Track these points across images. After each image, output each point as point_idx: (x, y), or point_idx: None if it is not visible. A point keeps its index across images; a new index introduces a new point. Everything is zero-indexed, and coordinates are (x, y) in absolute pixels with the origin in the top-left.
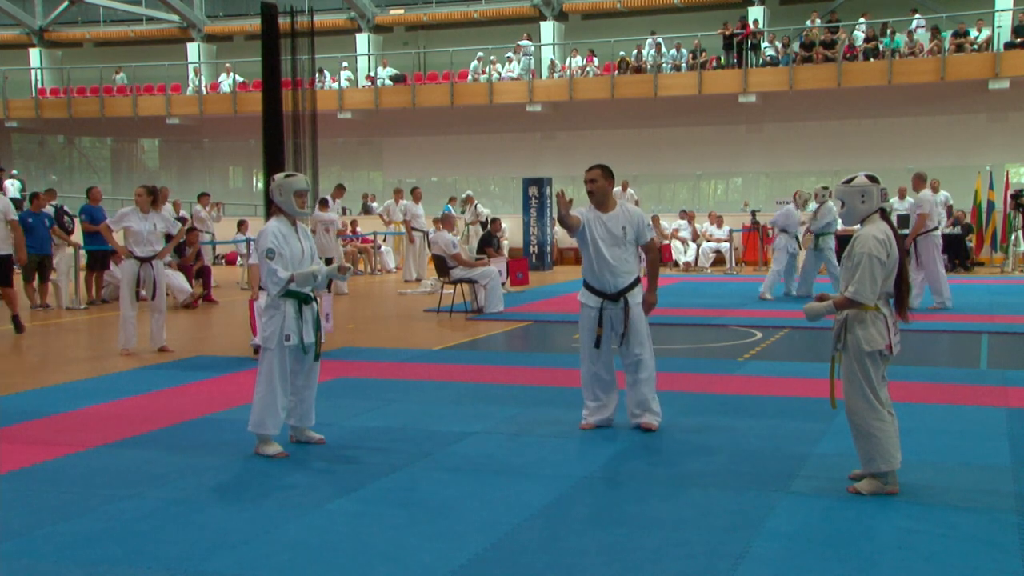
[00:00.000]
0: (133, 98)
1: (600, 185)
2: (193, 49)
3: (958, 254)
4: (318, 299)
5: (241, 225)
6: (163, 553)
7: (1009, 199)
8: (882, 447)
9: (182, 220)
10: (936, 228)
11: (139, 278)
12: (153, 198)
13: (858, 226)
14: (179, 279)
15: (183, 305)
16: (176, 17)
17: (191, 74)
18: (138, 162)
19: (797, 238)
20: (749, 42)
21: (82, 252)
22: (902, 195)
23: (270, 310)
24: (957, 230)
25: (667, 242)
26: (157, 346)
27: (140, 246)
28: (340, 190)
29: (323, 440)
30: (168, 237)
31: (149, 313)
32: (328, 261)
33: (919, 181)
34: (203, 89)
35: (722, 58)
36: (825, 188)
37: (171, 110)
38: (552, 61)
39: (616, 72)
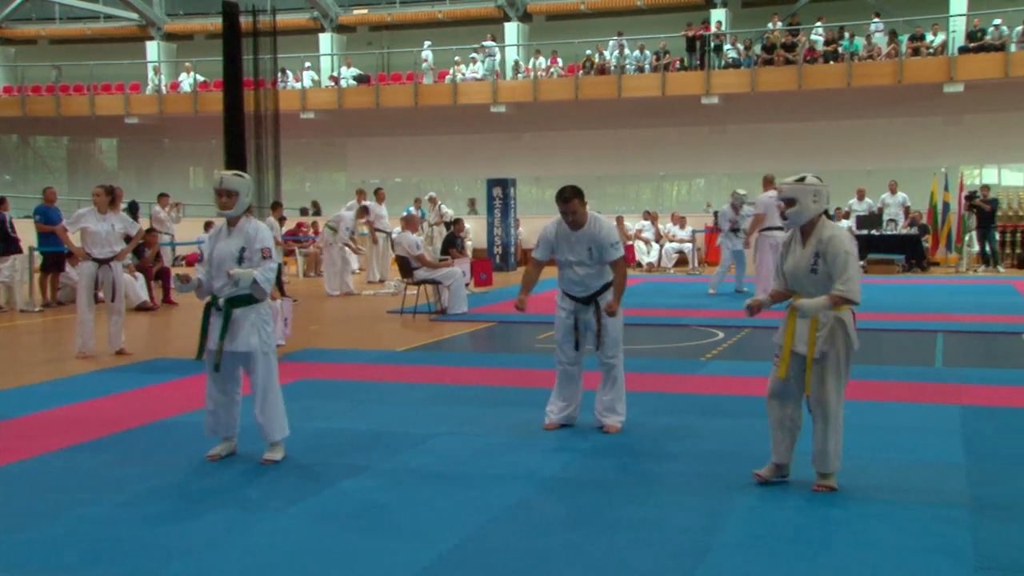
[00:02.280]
0: (90, 97)
1: (580, 215)
2: (152, 48)
3: (914, 254)
4: (276, 301)
5: (208, 226)
6: (121, 559)
7: (963, 200)
8: (840, 441)
9: (133, 208)
10: (774, 228)
11: (97, 280)
12: (112, 198)
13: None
14: (135, 286)
15: (136, 308)
16: (135, 15)
17: (151, 73)
18: (96, 162)
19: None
20: (712, 44)
21: (36, 254)
22: (860, 196)
23: None
24: (914, 231)
25: (631, 243)
26: (115, 349)
27: (98, 247)
28: (362, 194)
29: (269, 460)
30: (127, 239)
31: (107, 315)
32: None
33: (766, 183)
34: (163, 88)
35: (685, 60)
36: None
37: (130, 109)
38: (516, 62)
39: (580, 73)
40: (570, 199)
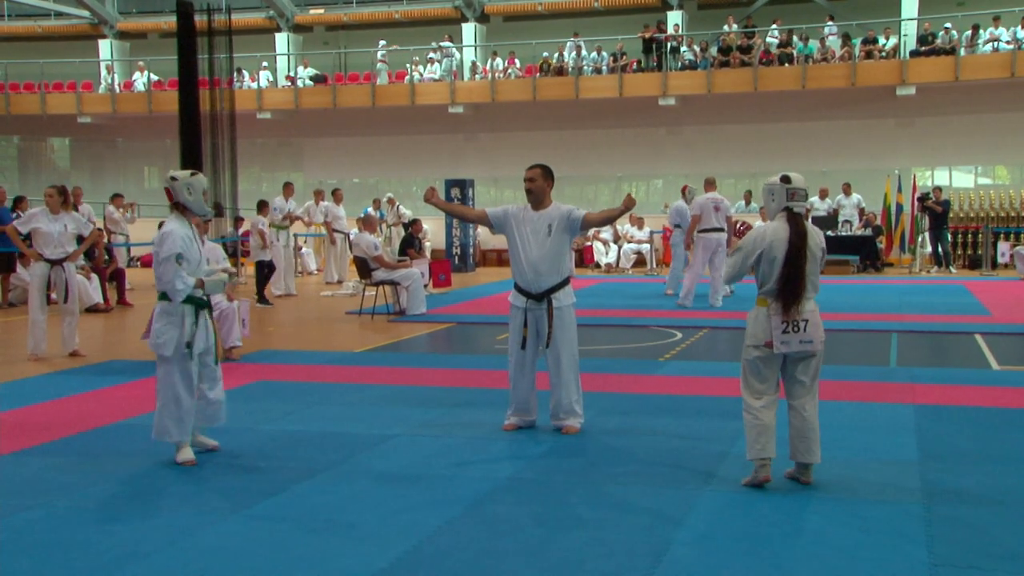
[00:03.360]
0: (41, 95)
1: (539, 184)
2: (105, 46)
3: (869, 255)
4: (234, 302)
5: (162, 226)
6: (72, 564)
7: (916, 202)
8: (746, 436)
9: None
10: (709, 230)
11: (49, 281)
12: (64, 199)
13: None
14: (87, 287)
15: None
16: (86, 13)
17: (103, 72)
18: (47, 161)
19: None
20: (668, 46)
21: None
22: (822, 196)
23: (166, 316)
24: (868, 232)
25: (589, 243)
26: (68, 350)
27: (50, 248)
28: (289, 187)
29: (217, 446)
30: (80, 239)
31: (60, 316)
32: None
33: (707, 186)
34: (116, 87)
35: (642, 61)
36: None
37: (82, 108)
38: (474, 63)
39: (538, 74)
40: (534, 167)
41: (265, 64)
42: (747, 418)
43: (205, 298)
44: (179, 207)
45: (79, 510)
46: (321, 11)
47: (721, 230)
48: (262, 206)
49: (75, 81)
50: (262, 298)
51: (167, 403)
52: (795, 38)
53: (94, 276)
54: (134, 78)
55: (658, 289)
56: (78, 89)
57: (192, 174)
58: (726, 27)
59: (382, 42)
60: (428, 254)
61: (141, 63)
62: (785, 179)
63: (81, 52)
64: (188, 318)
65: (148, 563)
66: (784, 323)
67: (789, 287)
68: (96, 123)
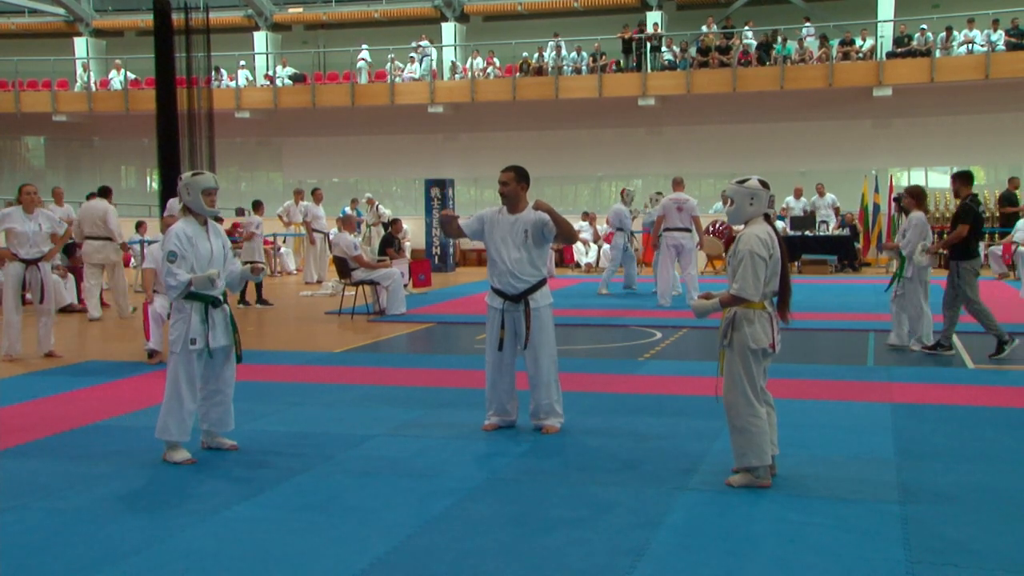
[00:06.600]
0: (15, 93)
1: (512, 188)
2: (81, 44)
3: (847, 255)
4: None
5: (140, 226)
6: (48, 567)
7: (893, 202)
8: (755, 443)
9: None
10: (672, 229)
11: (24, 281)
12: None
13: (741, 226)
14: (60, 287)
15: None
16: (62, 11)
17: (79, 70)
18: (22, 160)
19: (633, 235)
20: (648, 46)
21: None
22: (797, 195)
23: (176, 313)
24: (846, 232)
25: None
26: (44, 351)
27: (25, 248)
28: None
29: (235, 446)
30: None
31: (36, 317)
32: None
33: (675, 185)
34: (92, 86)
35: (621, 62)
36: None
37: (58, 107)
38: (453, 63)
39: (517, 74)
40: (507, 169)
41: (243, 63)
42: (757, 424)
43: (218, 295)
44: (185, 207)
45: (55, 512)
46: (300, 10)
47: (684, 230)
48: (257, 206)
49: (50, 79)
50: (259, 299)
51: (169, 400)
52: (776, 38)
53: (70, 276)
54: (110, 76)
55: (637, 289)
56: (53, 87)
57: (194, 174)
58: (705, 28)
59: (364, 45)
60: (408, 254)
61: (118, 61)
62: (765, 184)
63: (56, 50)
64: (195, 315)
65: (126, 564)
66: (776, 323)
67: (786, 289)
68: (72, 122)
